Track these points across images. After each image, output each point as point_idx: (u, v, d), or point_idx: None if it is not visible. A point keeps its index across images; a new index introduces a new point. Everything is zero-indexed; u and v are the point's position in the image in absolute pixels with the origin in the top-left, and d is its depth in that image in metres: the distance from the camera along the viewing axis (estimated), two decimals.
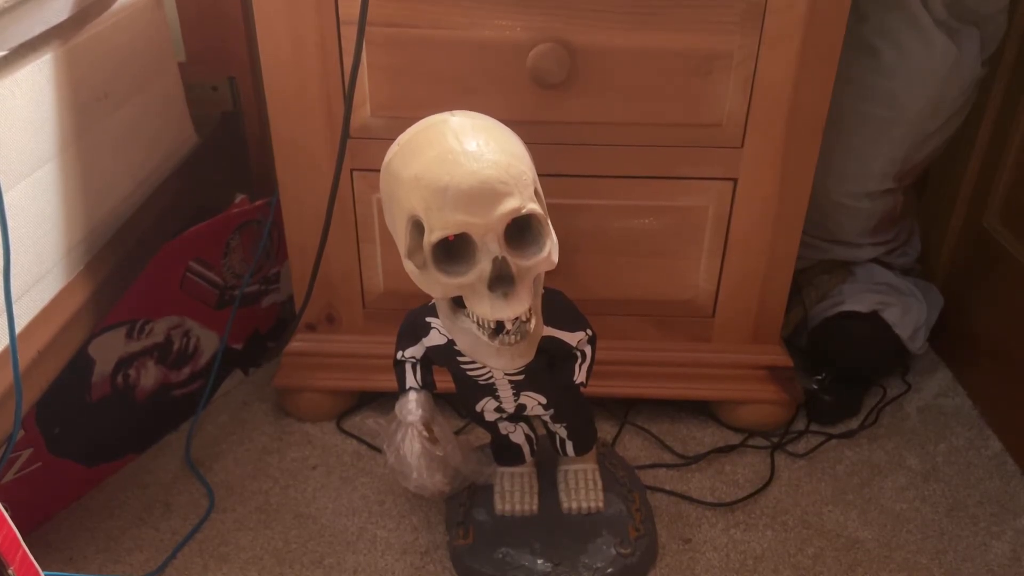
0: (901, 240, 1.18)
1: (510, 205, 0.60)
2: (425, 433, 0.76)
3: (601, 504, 0.85)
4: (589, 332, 0.76)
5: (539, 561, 0.80)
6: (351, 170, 0.90)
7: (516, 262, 0.61)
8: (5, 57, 0.76)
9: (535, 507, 0.85)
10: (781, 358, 1.00)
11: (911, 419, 1.07)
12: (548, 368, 0.76)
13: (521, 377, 0.75)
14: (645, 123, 0.87)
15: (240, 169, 1.22)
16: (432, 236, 0.60)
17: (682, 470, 0.98)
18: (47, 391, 0.80)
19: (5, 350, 0.72)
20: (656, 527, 0.88)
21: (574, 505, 0.85)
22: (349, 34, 0.83)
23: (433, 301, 0.72)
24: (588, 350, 0.77)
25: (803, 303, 1.14)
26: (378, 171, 0.68)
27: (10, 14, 0.75)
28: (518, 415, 0.81)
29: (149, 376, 0.98)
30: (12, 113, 0.75)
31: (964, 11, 0.99)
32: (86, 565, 0.85)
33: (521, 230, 0.62)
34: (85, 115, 0.87)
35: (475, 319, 0.64)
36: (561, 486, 0.86)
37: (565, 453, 0.87)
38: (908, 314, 1.10)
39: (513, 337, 0.63)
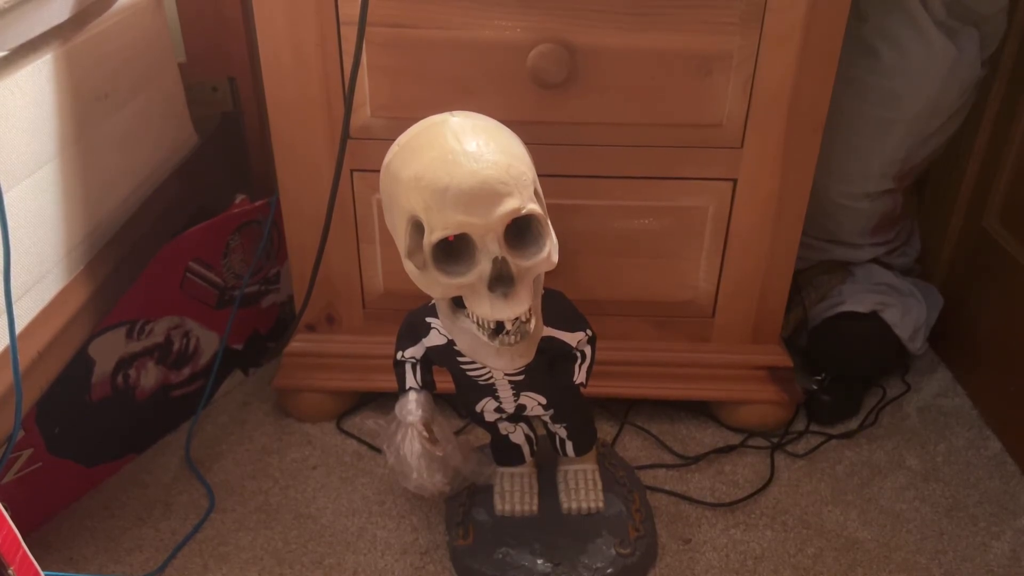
0: (901, 240, 1.18)
1: (510, 205, 0.60)
2: (425, 433, 0.76)
3: (601, 504, 0.85)
4: (589, 332, 0.76)
5: (539, 561, 0.80)
6: (351, 170, 0.90)
7: (516, 262, 0.61)
8: (5, 57, 0.76)
9: (535, 507, 0.85)
10: (781, 358, 1.00)
11: (911, 419, 1.06)
12: (548, 368, 0.76)
13: (521, 377, 0.75)
14: (645, 123, 0.87)
15: (240, 169, 1.22)
16: (432, 236, 0.60)
17: (682, 470, 0.98)
18: (47, 391, 0.80)
19: (5, 350, 0.72)
20: (656, 527, 0.88)
21: (574, 505, 0.85)
22: (349, 35, 0.83)
23: (433, 301, 0.72)
24: (588, 350, 0.77)
25: (803, 303, 1.14)
26: (378, 171, 0.68)
27: (10, 14, 0.75)
28: (518, 415, 0.81)
29: (149, 376, 0.98)
30: (12, 113, 0.75)
31: (964, 11, 0.99)
32: (86, 565, 0.85)
33: (521, 230, 0.62)
34: (85, 116, 0.87)
35: (475, 319, 0.64)
36: (561, 486, 0.86)
37: (565, 453, 0.87)
38: (908, 314, 1.10)
39: (513, 337, 0.63)
